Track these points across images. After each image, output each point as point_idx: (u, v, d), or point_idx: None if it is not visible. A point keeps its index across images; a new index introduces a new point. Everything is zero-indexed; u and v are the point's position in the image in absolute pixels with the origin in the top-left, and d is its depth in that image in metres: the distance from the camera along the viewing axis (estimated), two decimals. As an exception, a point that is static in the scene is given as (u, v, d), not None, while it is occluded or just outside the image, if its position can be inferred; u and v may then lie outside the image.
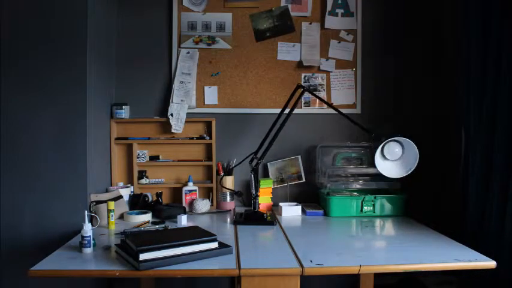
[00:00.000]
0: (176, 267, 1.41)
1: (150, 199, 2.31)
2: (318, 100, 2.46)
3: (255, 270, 1.42)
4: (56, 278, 1.67)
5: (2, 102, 1.92)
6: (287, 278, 1.43)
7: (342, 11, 2.46)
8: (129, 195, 2.26)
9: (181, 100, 2.40)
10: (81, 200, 1.95)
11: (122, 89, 2.43)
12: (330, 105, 2.13)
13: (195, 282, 2.47)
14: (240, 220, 2.04)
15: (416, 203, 2.30)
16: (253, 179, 2.12)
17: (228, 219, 2.14)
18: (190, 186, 2.34)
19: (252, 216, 2.07)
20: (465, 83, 2.08)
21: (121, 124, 2.41)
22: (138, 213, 2.09)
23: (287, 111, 2.14)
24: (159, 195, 2.29)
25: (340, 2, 2.45)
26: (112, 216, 1.92)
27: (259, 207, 2.14)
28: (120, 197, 2.06)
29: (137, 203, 2.22)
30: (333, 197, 2.18)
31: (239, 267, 1.42)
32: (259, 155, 2.11)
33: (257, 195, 2.12)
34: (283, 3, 2.45)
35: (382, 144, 1.96)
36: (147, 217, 2.07)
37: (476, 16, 2.00)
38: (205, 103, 2.45)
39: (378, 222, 2.10)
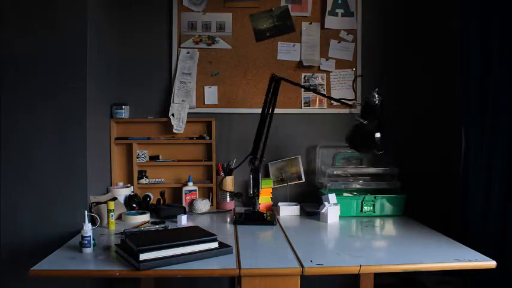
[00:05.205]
0: (176, 267, 1.41)
1: (151, 200, 2.32)
2: (317, 100, 2.46)
3: (255, 270, 1.42)
4: (56, 278, 1.67)
5: (1, 103, 1.92)
6: (287, 278, 1.43)
7: (342, 11, 2.46)
8: (128, 195, 2.26)
9: (182, 100, 2.40)
10: (81, 200, 1.95)
11: (122, 89, 2.43)
12: (321, 94, 2.00)
13: (195, 282, 2.47)
14: (240, 220, 2.04)
15: (416, 203, 2.30)
16: (251, 179, 2.13)
17: (228, 219, 2.14)
18: (190, 186, 2.34)
19: (252, 216, 2.07)
20: (465, 83, 2.09)
21: (121, 124, 2.41)
22: (136, 214, 2.09)
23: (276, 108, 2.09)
24: (162, 194, 2.30)
25: (340, 2, 2.45)
26: (112, 216, 1.92)
27: (259, 207, 2.14)
28: (115, 198, 2.06)
29: (132, 203, 2.22)
30: (333, 197, 2.18)
31: (239, 267, 1.42)
32: (258, 155, 2.11)
33: (258, 195, 2.12)
34: (283, 3, 2.45)
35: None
36: (145, 217, 2.07)
37: (476, 16, 2.00)
38: (205, 103, 2.45)
39: (378, 222, 2.10)
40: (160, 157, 2.43)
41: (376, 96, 1.70)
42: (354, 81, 1.87)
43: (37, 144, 1.92)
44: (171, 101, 2.39)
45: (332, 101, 2.46)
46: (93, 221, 1.88)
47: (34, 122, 1.92)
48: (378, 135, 1.72)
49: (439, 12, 2.47)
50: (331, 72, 2.47)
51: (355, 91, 1.82)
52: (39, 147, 1.92)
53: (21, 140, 1.92)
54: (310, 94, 2.45)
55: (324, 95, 2.00)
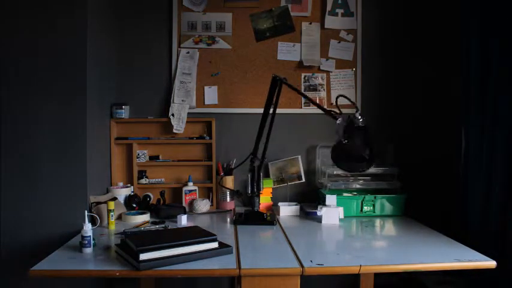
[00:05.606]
0: (176, 267, 1.41)
1: (151, 200, 2.31)
2: (317, 100, 2.46)
3: (255, 270, 1.42)
4: (56, 278, 1.67)
5: (2, 103, 1.92)
6: (287, 278, 1.43)
7: (342, 11, 2.46)
8: (128, 195, 2.26)
9: (182, 100, 2.40)
10: (81, 200, 1.95)
11: (122, 89, 2.43)
12: (313, 102, 1.98)
13: (195, 282, 2.47)
14: (240, 220, 2.04)
15: (416, 203, 2.30)
16: (249, 178, 2.12)
17: (228, 219, 2.14)
18: (190, 186, 2.34)
19: (252, 216, 2.07)
20: (465, 83, 2.08)
21: (121, 124, 2.41)
22: (136, 214, 2.09)
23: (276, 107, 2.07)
24: (162, 194, 2.30)
25: (340, 2, 2.45)
26: (112, 216, 1.92)
27: (259, 207, 2.14)
28: (115, 198, 2.06)
29: (132, 203, 2.22)
30: (333, 197, 2.18)
31: (239, 267, 1.42)
32: (259, 156, 2.11)
33: (259, 194, 2.12)
34: (283, 3, 2.45)
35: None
36: (145, 217, 2.07)
37: (476, 16, 2.00)
38: (205, 103, 2.45)
39: (378, 222, 2.10)
40: (160, 157, 2.43)
41: (360, 117, 1.71)
42: (337, 97, 1.84)
43: (37, 144, 1.92)
44: (171, 101, 2.39)
45: (332, 102, 2.46)
46: (93, 221, 1.88)
47: (34, 122, 1.92)
48: (367, 152, 1.74)
49: (439, 12, 2.47)
50: (331, 72, 2.47)
51: (337, 111, 1.75)
52: (39, 147, 1.92)
53: (20, 140, 1.92)
54: (310, 94, 2.44)
55: (315, 103, 1.98)
